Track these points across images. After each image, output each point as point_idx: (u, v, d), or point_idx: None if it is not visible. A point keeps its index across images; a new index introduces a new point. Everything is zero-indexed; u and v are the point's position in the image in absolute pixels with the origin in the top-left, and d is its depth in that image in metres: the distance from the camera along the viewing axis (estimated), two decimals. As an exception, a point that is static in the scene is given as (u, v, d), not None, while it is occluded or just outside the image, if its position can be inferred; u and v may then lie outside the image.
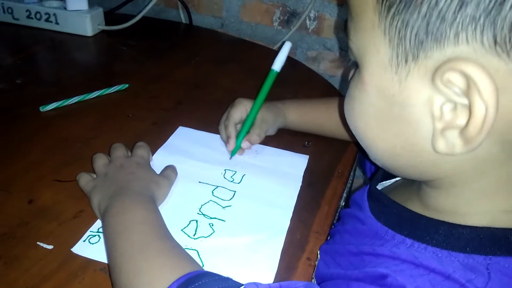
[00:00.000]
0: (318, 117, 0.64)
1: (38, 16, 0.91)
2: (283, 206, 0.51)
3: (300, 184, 0.55)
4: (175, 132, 0.63)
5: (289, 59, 0.58)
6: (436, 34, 0.26)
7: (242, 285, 0.34)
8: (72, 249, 0.43)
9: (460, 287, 0.29)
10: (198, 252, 0.44)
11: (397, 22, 0.28)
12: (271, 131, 0.62)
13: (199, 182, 0.54)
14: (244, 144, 0.58)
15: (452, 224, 0.32)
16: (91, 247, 0.44)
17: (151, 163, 0.54)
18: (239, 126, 0.60)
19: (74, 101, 0.67)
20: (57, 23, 0.92)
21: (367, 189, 0.43)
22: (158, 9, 1.10)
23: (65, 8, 0.90)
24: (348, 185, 0.60)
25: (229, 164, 0.58)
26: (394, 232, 0.35)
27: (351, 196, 0.46)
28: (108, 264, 0.41)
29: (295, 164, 0.59)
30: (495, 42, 0.24)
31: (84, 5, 0.91)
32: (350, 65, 0.35)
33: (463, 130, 0.27)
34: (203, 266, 0.42)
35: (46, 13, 0.91)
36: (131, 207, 0.43)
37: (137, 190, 0.46)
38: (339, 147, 0.63)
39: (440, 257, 0.31)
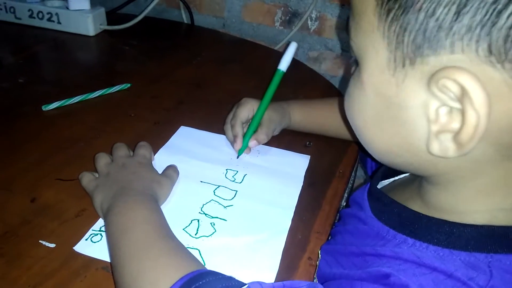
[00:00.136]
0: (322, 118, 0.64)
1: (40, 15, 0.92)
2: (284, 206, 0.51)
3: (301, 184, 0.55)
4: (177, 131, 0.63)
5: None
6: (432, 42, 0.26)
7: (245, 284, 0.34)
8: (74, 248, 0.43)
9: (462, 285, 0.29)
10: (199, 251, 0.44)
11: (396, 26, 0.28)
12: (277, 131, 0.62)
13: (201, 181, 0.54)
14: (252, 143, 0.58)
15: (453, 222, 0.32)
16: (93, 245, 0.44)
17: (153, 162, 0.54)
18: (245, 126, 0.60)
19: (76, 101, 0.68)
20: (59, 22, 0.92)
21: (367, 188, 0.43)
22: (160, 9, 1.10)
23: (67, 8, 0.91)
24: (350, 185, 0.60)
25: (230, 164, 0.58)
26: (396, 232, 0.36)
27: (351, 196, 0.46)
28: (110, 263, 0.41)
29: (296, 164, 0.59)
30: (490, 52, 0.25)
31: (86, 5, 0.91)
32: (352, 62, 0.35)
33: (456, 135, 0.28)
34: (204, 265, 0.42)
35: (48, 13, 0.91)
36: (134, 207, 0.43)
37: (139, 189, 0.46)
38: (340, 147, 0.63)
39: (441, 255, 0.31)
